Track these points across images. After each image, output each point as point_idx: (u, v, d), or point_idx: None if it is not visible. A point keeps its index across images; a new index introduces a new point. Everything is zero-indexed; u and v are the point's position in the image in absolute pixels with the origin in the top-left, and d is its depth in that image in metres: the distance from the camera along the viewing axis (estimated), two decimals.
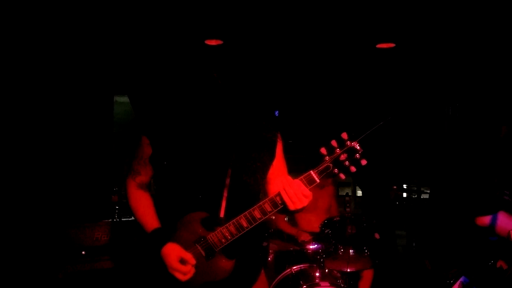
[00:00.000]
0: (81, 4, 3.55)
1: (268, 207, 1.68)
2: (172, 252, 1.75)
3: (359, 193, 7.20)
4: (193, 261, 1.75)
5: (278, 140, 1.92)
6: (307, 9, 3.75)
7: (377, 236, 3.15)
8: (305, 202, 1.63)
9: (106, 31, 4.10)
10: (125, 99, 5.38)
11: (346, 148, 1.55)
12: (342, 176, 1.59)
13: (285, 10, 3.78)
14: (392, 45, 4.53)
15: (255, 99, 1.84)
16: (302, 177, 1.62)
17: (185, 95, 1.81)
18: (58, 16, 3.71)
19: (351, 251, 3.11)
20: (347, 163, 1.55)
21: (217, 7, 3.68)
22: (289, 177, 1.90)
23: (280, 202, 1.66)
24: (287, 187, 1.61)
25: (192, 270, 1.75)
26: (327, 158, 1.57)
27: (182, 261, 1.75)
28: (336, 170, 1.57)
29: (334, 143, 1.56)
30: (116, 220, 3.65)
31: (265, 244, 3.50)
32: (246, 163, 1.79)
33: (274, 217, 3.62)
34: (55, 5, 3.50)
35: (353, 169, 1.55)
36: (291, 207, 1.64)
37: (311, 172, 1.60)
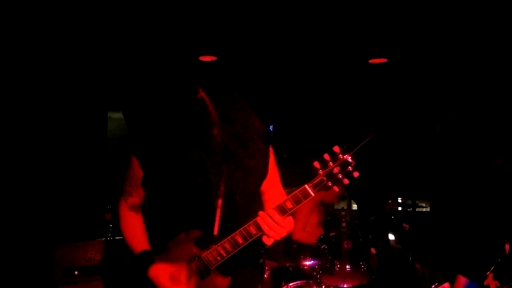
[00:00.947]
0: (75, 20, 3.57)
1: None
2: (161, 271, 1.73)
3: (355, 206, 7.18)
4: (184, 276, 1.73)
5: (270, 153, 1.92)
6: (300, 25, 3.80)
7: (373, 251, 3.13)
8: (280, 233, 1.65)
9: (100, 46, 4.12)
10: (119, 115, 5.37)
11: (338, 161, 1.56)
12: (336, 189, 1.59)
13: (278, 26, 3.83)
14: (384, 60, 4.59)
15: (248, 115, 1.83)
16: (297, 191, 1.61)
17: (175, 114, 1.80)
18: (52, 32, 3.72)
19: (347, 266, 3.09)
20: (340, 175, 1.56)
21: (211, 23, 3.72)
22: (281, 189, 1.92)
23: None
24: (260, 221, 1.64)
25: (185, 285, 1.72)
26: (320, 171, 1.58)
27: (173, 278, 1.72)
28: (330, 183, 1.57)
29: (326, 156, 1.57)
30: (110, 239, 3.59)
31: (261, 260, 3.46)
32: (238, 182, 1.78)
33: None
34: (49, 21, 3.52)
35: (346, 181, 1.56)
36: (268, 241, 1.66)
37: (306, 186, 1.60)
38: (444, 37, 3.98)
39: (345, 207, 7.28)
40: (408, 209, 4.48)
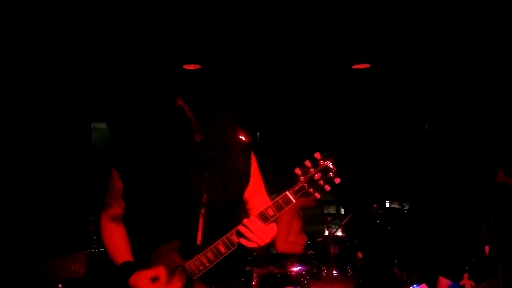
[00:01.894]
0: (59, 31, 3.55)
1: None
2: (140, 277, 1.71)
3: (343, 211, 7.20)
4: (164, 275, 1.71)
5: (252, 161, 1.91)
6: (283, 32, 3.83)
7: (359, 255, 3.14)
8: (265, 239, 1.64)
9: (85, 56, 4.09)
10: (103, 125, 5.32)
11: (319, 167, 1.56)
12: (317, 195, 1.59)
13: (262, 34, 3.85)
14: (367, 65, 4.64)
15: (228, 123, 1.83)
16: (278, 198, 1.61)
17: (155, 124, 1.79)
18: (37, 42, 3.69)
19: (334, 271, 3.10)
20: (321, 182, 1.56)
21: (195, 31, 3.72)
22: (265, 196, 1.91)
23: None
24: (242, 228, 1.63)
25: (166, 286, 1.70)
26: (301, 178, 1.58)
27: (153, 280, 1.71)
28: (311, 190, 1.57)
29: (308, 163, 1.57)
30: (94, 251, 3.54)
31: (248, 268, 3.44)
32: (219, 190, 1.78)
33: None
34: (35, 31, 3.49)
35: (327, 187, 1.57)
36: (251, 245, 1.65)
37: (287, 192, 1.60)
38: (426, 40, 4.04)
39: (334, 212, 7.30)
40: (396, 212, 4.51)
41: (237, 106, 1.90)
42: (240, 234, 1.65)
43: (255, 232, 1.62)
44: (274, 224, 1.68)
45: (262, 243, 1.65)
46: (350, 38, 3.96)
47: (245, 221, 1.64)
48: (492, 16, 3.46)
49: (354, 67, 4.65)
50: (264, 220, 1.63)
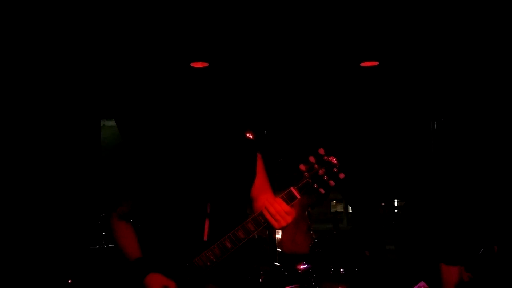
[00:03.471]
0: (68, 28, 3.59)
1: (251, 227, 1.69)
2: (155, 281, 1.73)
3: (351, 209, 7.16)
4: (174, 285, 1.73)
5: (258, 159, 1.94)
6: (291, 28, 3.83)
7: (367, 253, 3.14)
8: (288, 219, 1.65)
9: (93, 54, 4.13)
10: (112, 123, 5.37)
11: (324, 163, 1.57)
12: (322, 190, 1.59)
13: (270, 31, 3.85)
14: (376, 63, 4.61)
15: (235, 122, 1.86)
16: (283, 194, 1.63)
17: (163, 121, 1.83)
18: (46, 39, 3.73)
19: (341, 269, 3.09)
20: (326, 177, 1.57)
21: (203, 29, 3.74)
22: (272, 195, 1.92)
23: (263, 221, 1.68)
24: (269, 206, 1.63)
25: None
26: (306, 174, 1.59)
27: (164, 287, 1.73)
28: (316, 185, 1.58)
29: (312, 159, 1.58)
30: (103, 247, 3.59)
31: (255, 265, 3.45)
32: (225, 187, 1.80)
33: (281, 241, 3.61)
34: (44, 27, 3.53)
35: (332, 183, 1.57)
36: (275, 225, 1.65)
37: (292, 188, 1.61)
38: (435, 37, 4.00)
39: (342, 210, 7.27)
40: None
41: (244, 104, 1.92)
42: (230, 239, 1.67)
43: (279, 212, 1.62)
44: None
45: (284, 223, 1.65)
46: (358, 34, 3.94)
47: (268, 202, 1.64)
48: (504, 12, 3.42)
49: (362, 64, 4.63)
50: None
